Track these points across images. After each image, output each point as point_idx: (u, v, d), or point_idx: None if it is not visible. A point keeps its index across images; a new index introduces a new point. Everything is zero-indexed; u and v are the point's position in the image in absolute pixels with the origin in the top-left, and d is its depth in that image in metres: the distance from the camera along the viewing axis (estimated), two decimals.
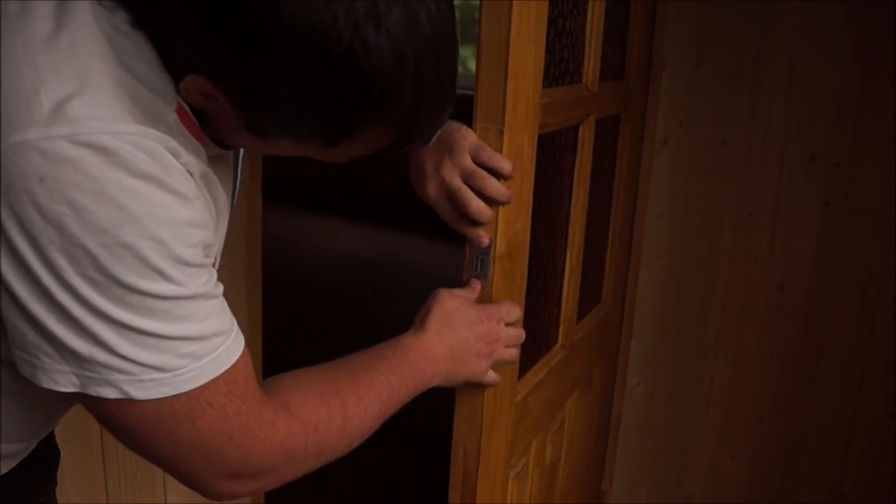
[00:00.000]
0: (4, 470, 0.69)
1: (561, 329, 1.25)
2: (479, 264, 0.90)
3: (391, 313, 3.33)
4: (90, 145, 0.51)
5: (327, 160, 0.65)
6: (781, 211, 1.56)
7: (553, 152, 1.14)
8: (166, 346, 0.56)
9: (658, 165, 1.62)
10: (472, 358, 0.85)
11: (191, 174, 0.58)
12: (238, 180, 0.77)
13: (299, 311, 3.30)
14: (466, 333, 0.85)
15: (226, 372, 0.59)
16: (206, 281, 0.59)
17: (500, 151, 0.89)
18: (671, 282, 1.67)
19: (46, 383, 0.56)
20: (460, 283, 0.92)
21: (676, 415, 1.73)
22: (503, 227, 0.91)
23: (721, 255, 1.62)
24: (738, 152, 1.57)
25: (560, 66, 1.09)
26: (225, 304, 0.61)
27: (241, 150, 0.77)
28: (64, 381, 0.56)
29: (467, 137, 0.88)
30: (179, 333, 0.57)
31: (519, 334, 0.91)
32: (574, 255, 1.24)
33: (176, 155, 0.56)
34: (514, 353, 0.90)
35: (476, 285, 0.90)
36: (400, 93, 0.56)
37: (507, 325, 0.89)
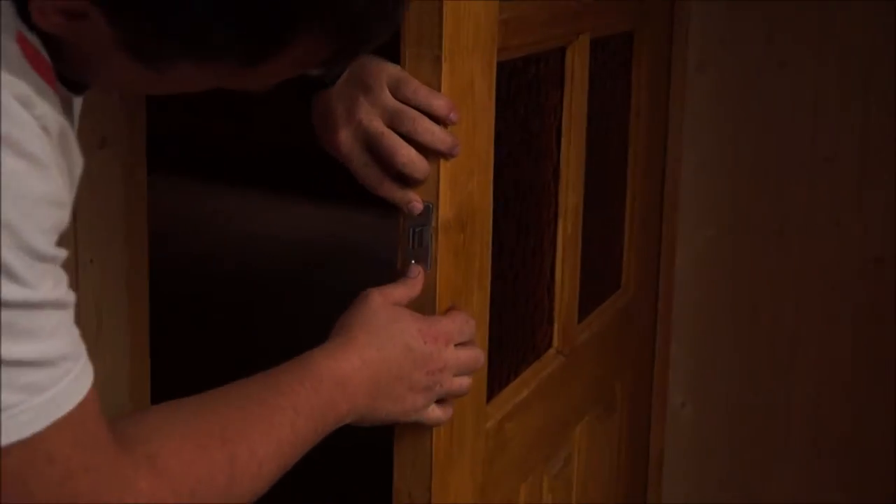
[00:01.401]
0: None
1: (556, 327, 1.29)
2: (416, 240, 0.95)
3: (331, 316, 3.27)
4: None
5: (243, 88, 0.66)
6: (871, 155, 1.60)
7: (527, 86, 1.18)
8: (3, 375, 0.56)
9: (693, 100, 1.66)
10: (403, 392, 0.88)
11: (47, 131, 0.59)
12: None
13: (205, 322, 3.30)
14: (400, 358, 0.87)
15: (73, 411, 0.60)
16: (58, 282, 0.60)
17: (439, 86, 0.93)
18: (722, 259, 1.71)
19: None
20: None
21: (743, 447, 1.76)
22: (448, 187, 0.95)
23: (791, 219, 1.66)
24: (804, 77, 1.60)
25: None
26: (72, 317, 0.63)
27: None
28: None
29: (385, 69, 0.92)
30: (20, 356, 0.57)
31: (474, 358, 0.93)
32: (569, 224, 1.28)
33: (27, 105, 0.57)
34: (464, 383, 0.93)
35: (417, 274, 0.94)
36: None
37: (458, 344, 0.92)
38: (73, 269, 1.49)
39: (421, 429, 0.99)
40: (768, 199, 1.67)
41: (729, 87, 1.65)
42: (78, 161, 0.66)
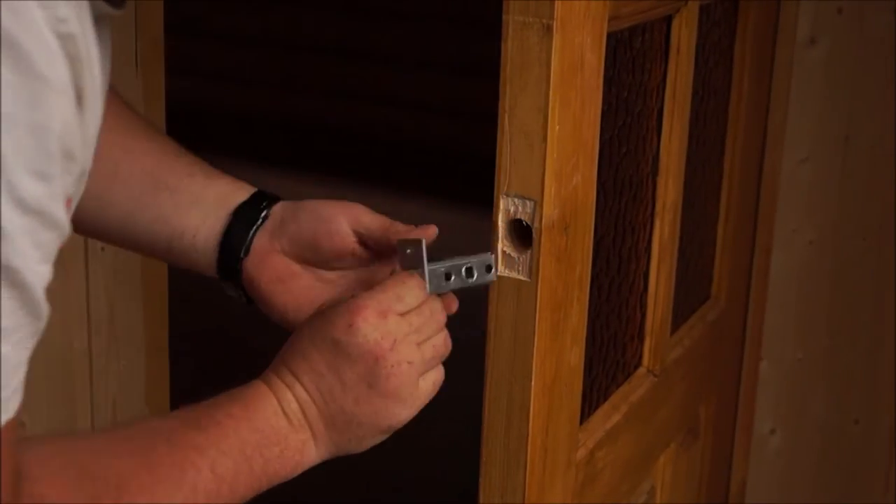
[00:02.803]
0: None
1: (647, 345, 1.29)
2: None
3: None
4: None
5: None
6: None
7: (631, 61, 1.16)
8: None
9: (802, 79, 1.64)
10: (365, 393, 0.79)
11: (70, 42, 0.55)
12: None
13: (230, 316, 3.34)
14: (331, 358, 0.79)
15: None
16: (45, 269, 0.56)
17: (547, 62, 0.92)
18: (823, 267, 1.69)
19: None
20: None
21: (838, 481, 1.76)
22: (553, 181, 0.94)
23: None
24: None
25: None
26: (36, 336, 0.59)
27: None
28: None
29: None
30: None
31: (428, 314, 0.83)
32: (666, 226, 1.27)
33: (49, 5, 0.53)
34: (435, 346, 0.83)
35: (404, 278, 0.84)
36: None
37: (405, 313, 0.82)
38: (83, 257, 1.50)
39: (511, 458, 0.98)
40: (883, 200, 1.65)
41: (845, 64, 1.62)
42: (97, 89, 0.62)
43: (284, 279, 0.92)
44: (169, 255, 0.91)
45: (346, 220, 0.87)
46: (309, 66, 4.33)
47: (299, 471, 0.78)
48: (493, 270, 0.89)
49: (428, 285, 0.84)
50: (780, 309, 1.73)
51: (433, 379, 0.83)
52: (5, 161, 0.52)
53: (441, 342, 0.84)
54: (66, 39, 0.55)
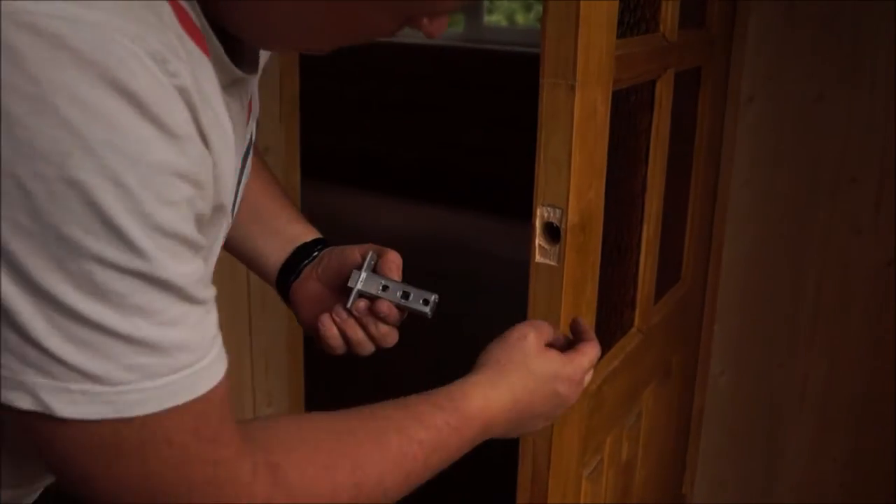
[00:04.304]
0: None
1: (637, 311, 1.25)
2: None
3: (441, 297, 3.29)
4: (36, 30, 0.40)
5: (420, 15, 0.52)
6: (889, 176, 1.53)
7: (627, 111, 1.13)
8: (110, 347, 0.44)
9: (743, 125, 1.59)
10: (540, 423, 0.74)
11: (185, 93, 0.45)
12: (252, 138, 0.68)
13: None
14: (547, 402, 0.72)
15: (194, 402, 0.48)
16: (189, 270, 0.46)
17: (571, 111, 0.89)
18: (759, 258, 1.65)
19: None
20: (516, 263, 0.92)
21: (766, 409, 1.71)
22: (574, 196, 0.91)
23: (817, 228, 1.59)
24: (837, 109, 1.53)
25: (635, 12, 1.08)
26: (209, 315, 0.49)
27: (254, 103, 0.67)
28: None
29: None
30: (129, 331, 0.44)
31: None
32: (651, 227, 1.23)
33: (160, 61, 0.43)
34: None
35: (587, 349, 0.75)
36: None
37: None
38: (245, 269, 1.51)
39: None
40: (800, 210, 1.59)
41: (773, 115, 1.57)
42: (228, 144, 0.52)
43: (311, 297, 0.80)
44: (256, 269, 0.83)
45: (358, 253, 0.77)
46: (395, 120, 4.32)
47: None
48: (429, 307, 0.74)
49: (360, 283, 0.74)
50: (728, 287, 1.68)
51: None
52: (138, 196, 0.42)
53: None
54: (180, 91, 0.45)
